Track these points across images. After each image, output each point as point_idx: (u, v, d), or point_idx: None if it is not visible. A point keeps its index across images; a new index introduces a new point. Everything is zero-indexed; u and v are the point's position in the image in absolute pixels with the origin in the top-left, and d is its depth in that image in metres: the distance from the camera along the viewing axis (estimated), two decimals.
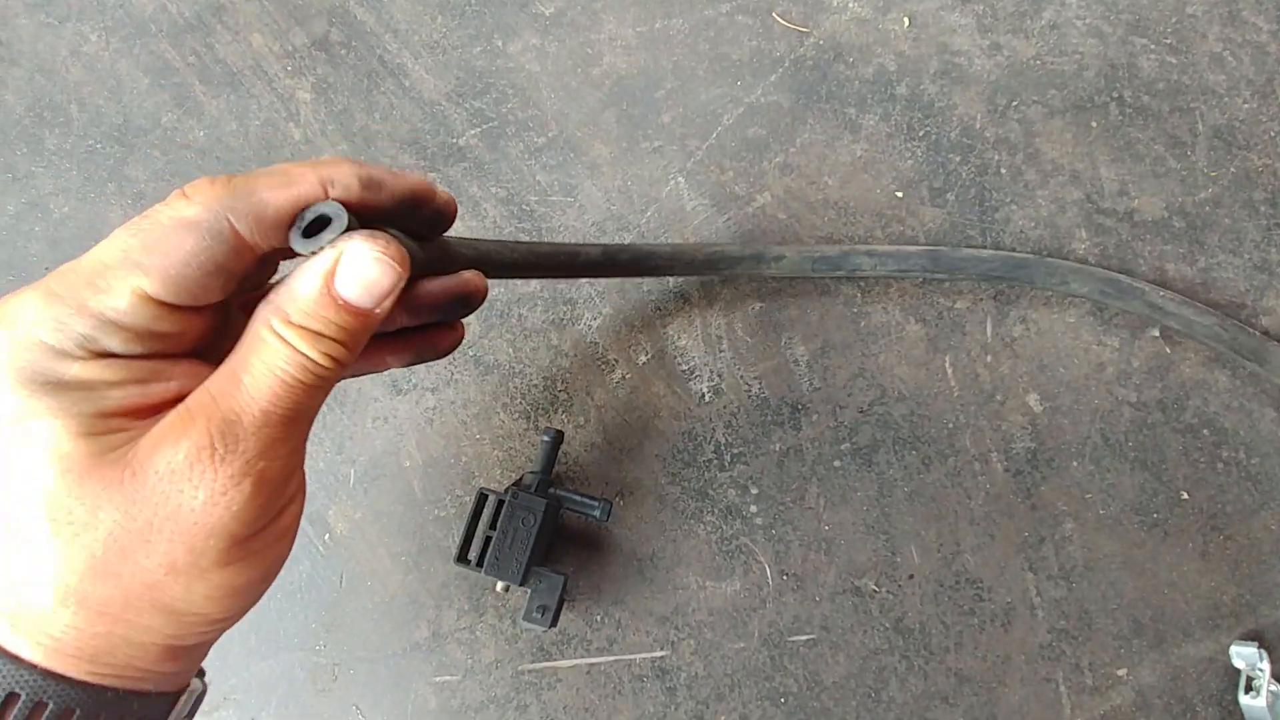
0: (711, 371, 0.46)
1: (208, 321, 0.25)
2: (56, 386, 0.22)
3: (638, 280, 0.47)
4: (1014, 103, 0.49)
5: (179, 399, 0.23)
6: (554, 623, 0.41)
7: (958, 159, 0.49)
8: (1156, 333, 0.46)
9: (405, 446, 0.45)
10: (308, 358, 0.23)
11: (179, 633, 0.23)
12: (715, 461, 0.45)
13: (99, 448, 0.22)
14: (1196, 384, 0.45)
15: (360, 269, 0.23)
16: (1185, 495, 0.43)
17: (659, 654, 0.43)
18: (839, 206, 0.48)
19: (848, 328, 0.46)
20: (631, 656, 0.43)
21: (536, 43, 0.51)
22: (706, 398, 0.46)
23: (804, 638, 0.43)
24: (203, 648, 0.25)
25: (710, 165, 0.49)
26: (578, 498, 0.42)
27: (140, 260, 0.22)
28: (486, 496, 0.42)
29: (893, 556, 0.44)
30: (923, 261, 0.44)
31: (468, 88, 0.50)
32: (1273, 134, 0.49)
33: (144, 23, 0.52)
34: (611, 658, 0.43)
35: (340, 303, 0.23)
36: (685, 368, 0.46)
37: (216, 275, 0.23)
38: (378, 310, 0.24)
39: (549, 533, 0.42)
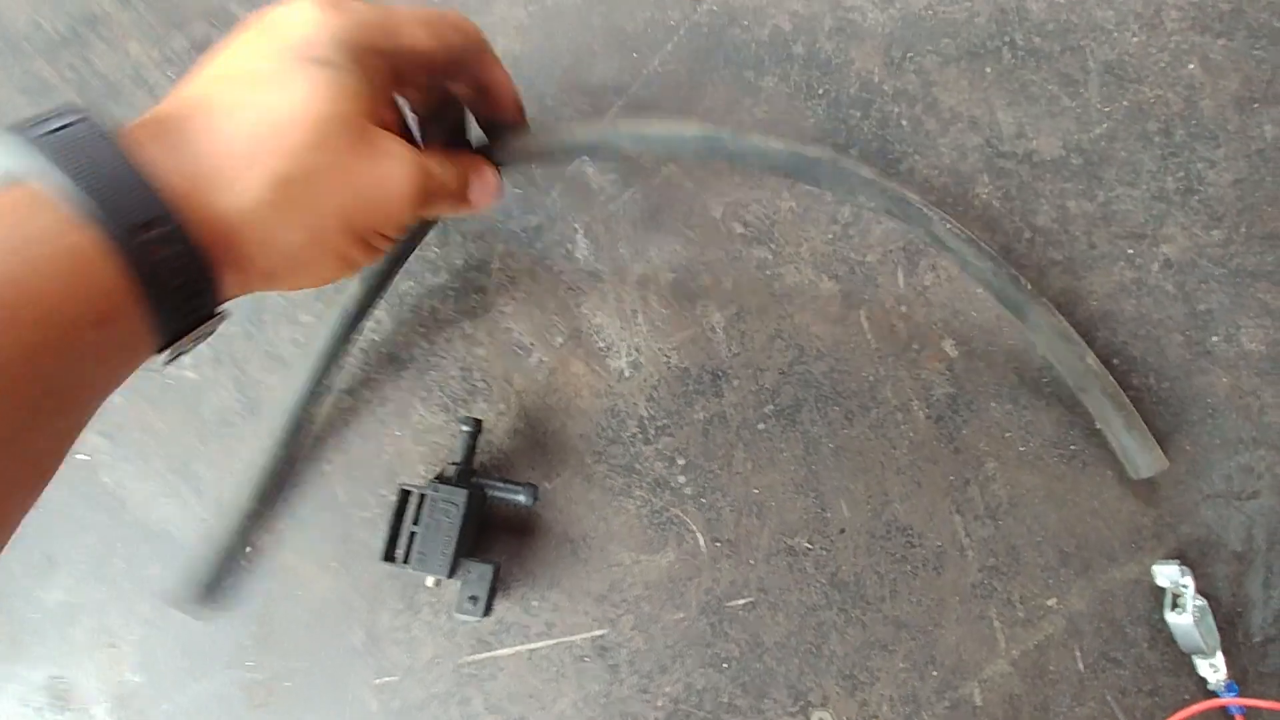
0: (629, 346, 0.46)
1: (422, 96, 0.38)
2: (364, 67, 0.32)
3: (549, 262, 0.47)
4: (909, 54, 0.50)
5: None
6: (487, 611, 0.40)
7: (858, 114, 0.49)
8: (1060, 269, 0.46)
9: (323, 451, 0.44)
10: (450, 195, 0.38)
11: (281, 267, 0.31)
12: (640, 436, 0.45)
13: (366, 115, 0.32)
14: (1104, 315, 0.46)
15: (485, 184, 0.39)
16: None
17: (598, 633, 0.43)
18: (745, 171, 0.48)
19: (761, 290, 0.46)
20: (571, 638, 0.43)
21: None
22: (626, 373, 0.45)
23: (742, 602, 0.43)
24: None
25: None
26: (501, 484, 0.41)
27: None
28: (409, 493, 0.41)
29: (823, 513, 0.44)
30: (696, 147, 0.40)
31: None
32: (1162, 65, 0.49)
33: (16, 41, 0.50)
34: (551, 641, 0.43)
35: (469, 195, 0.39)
36: (602, 345, 0.46)
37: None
38: (481, 203, 0.40)
39: (475, 522, 0.41)
